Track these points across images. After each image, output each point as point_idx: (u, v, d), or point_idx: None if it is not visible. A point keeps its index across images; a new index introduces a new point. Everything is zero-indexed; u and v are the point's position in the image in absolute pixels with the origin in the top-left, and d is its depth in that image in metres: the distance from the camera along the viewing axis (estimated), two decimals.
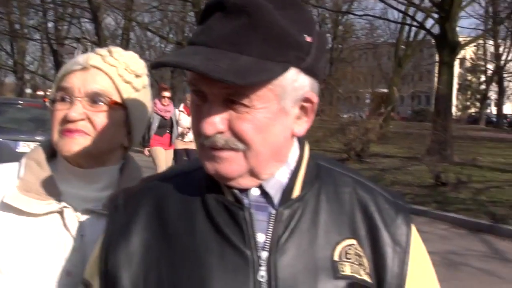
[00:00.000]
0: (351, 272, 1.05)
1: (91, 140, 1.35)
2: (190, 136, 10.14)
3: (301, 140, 1.13)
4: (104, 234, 1.12)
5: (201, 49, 0.96)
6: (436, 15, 18.56)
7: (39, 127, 10.73)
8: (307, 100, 1.04)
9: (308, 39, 1.00)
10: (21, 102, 13.05)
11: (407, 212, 1.15)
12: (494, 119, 52.96)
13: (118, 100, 1.38)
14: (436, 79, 19.37)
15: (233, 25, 0.96)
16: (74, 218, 1.36)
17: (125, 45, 28.84)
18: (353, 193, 1.12)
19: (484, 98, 54.65)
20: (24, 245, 1.33)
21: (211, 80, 0.94)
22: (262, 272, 1.01)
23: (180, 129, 10.36)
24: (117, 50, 1.44)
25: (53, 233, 1.35)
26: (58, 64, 34.56)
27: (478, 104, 57.98)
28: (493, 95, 57.44)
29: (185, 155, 10.51)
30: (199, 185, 1.09)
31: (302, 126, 1.06)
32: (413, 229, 1.14)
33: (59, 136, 1.36)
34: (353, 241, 1.08)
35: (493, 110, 62.39)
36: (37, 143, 1.45)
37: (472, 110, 60.03)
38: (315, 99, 1.05)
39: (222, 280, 1.00)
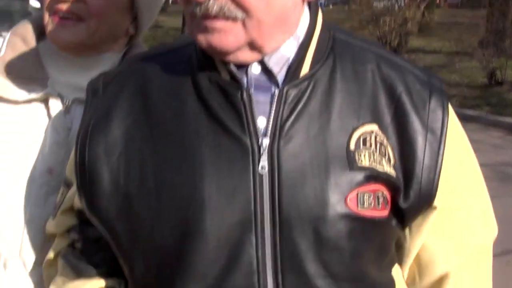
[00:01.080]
0: (370, 163, 1.06)
1: (86, 28, 1.34)
2: None
3: (312, 7, 1.12)
4: (80, 123, 1.15)
5: None
6: None
7: (5, 21, 10.63)
8: None
9: None
10: None
11: (444, 94, 1.15)
12: None
13: None
14: None
15: None
16: (61, 108, 1.37)
17: None
18: (376, 70, 1.12)
19: None
20: None
21: None
22: (263, 162, 1.03)
23: None
24: None
25: (35, 125, 1.36)
26: None
27: None
28: None
29: None
30: (190, 63, 1.10)
31: None
32: (452, 114, 1.15)
33: (49, 18, 1.35)
34: (375, 127, 1.09)
35: None
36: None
37: None
38: None
39: (216, 173, 1.03)
